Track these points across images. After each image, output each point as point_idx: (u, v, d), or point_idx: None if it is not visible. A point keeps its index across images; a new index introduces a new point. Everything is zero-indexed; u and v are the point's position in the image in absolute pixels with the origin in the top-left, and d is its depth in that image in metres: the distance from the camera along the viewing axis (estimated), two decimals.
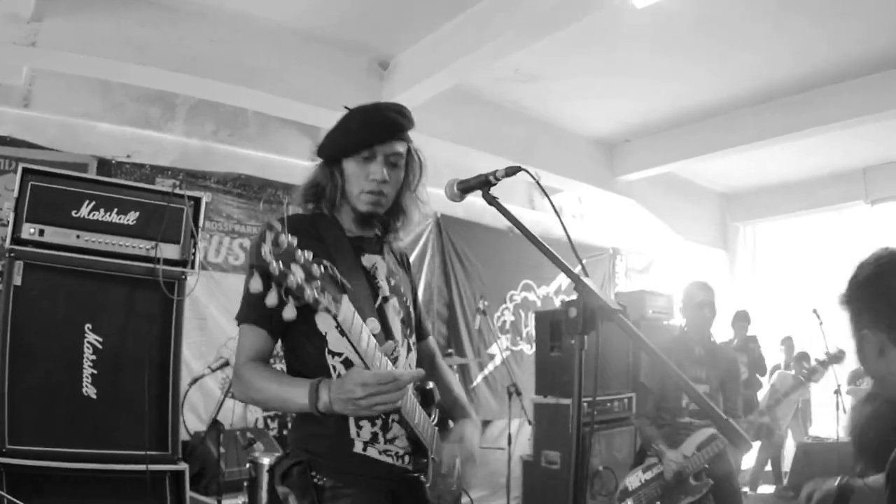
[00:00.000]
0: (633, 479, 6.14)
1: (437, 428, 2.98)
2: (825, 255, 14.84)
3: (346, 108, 3.05)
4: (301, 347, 2.87)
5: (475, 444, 3.03)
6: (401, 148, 2.99)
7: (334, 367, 2.82)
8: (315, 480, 2.77)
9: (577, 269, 2.40)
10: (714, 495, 6.01)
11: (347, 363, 2.79)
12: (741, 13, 7.73)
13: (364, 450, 2.81)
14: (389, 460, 2.83)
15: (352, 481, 2.78)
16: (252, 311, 2.77)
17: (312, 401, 2.53)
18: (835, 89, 9.60)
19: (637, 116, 10.98)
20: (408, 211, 3.14)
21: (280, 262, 2.13)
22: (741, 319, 11.84)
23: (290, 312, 2.22)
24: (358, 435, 2.80)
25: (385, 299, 2.96)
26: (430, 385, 3.01)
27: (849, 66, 9.11)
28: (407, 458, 2.88)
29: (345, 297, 2.39)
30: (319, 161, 3.06)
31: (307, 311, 2.32)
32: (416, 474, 2.90)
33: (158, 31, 7.07)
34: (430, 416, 2.93)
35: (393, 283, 3.07)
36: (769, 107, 10.29)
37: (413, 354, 3.08)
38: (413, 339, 3.13)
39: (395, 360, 2.83)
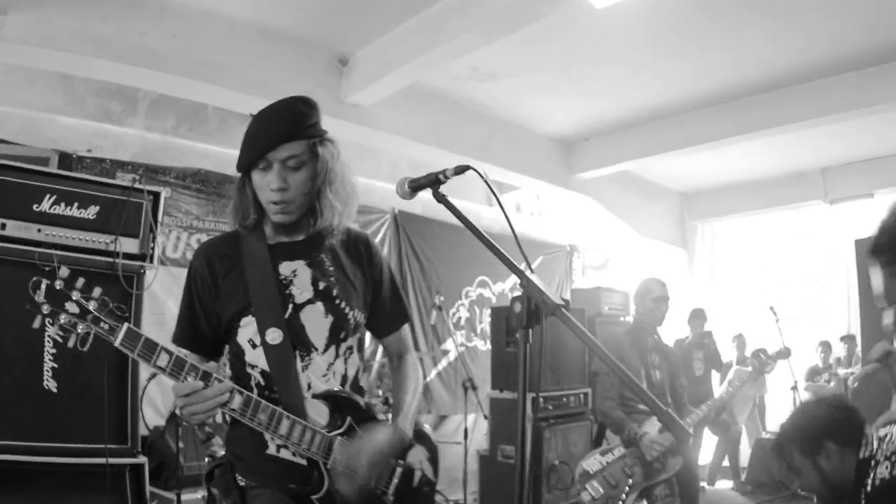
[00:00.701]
0: (593, 462, 6.15)
1: (341, 437, 2.92)
2: (784, 254, 15.08)
3: (250, 114, 3.08)
4: (231, 361, 3.07)
5: (378, 443, 2.93)
6: (296, 149, 2.93)
7: (252, 377, 2.97)
8: (238, 481, 2.94)
9: (524, 266, 2.46)
10: (677, 479, 6.13)
11: (265, 375, 2.93)
12: (701, 15, 7.82)
13: (277, 451, 2.92)
14: (304, 461, 2.90)
15: (267, 481, 2.91)
16: (176, 335, 3.07)
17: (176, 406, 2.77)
18: (793, 90, 9.76)
19: (595, 115, 11.05)
20: (322, 210, 3.04)
21: (51, 304, 2.50)
22: (697, 317, 11.98)
23: (71, 342, 2.53)
24: (272, 439, 2.89)
25: (299, 307, 2.99)
26: (333, 391, 2.99)
27: (809, 68, 9.26)
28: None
29: (124, 325, 2.61)
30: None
31: (228, 328, 2.82)
32: (300, 487, 2.89)
33: (120, 25, 7.04)
34: (336, 423, 2.94)
35: (322, 285, 3.05)
36: (727, 107, 10.41)
37: (339, 364, 3.07)
38: (349, 343, 3.12)
39: (305, 366, 2.96)
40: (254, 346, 2.93)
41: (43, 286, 2.49)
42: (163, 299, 8.04)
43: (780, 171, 13.91)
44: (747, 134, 10.49)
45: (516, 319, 2.38)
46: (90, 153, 7.78)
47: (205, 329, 3.02)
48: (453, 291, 11.73)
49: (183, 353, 2.74)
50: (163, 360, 2.64)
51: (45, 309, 2.48)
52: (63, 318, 2.50)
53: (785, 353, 6.49)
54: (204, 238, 8.60)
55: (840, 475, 3.49)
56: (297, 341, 2.96)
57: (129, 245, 5.52)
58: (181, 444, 6.36)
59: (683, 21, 7.96)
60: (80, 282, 2.54)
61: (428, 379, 11.04)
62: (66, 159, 7.58)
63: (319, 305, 3.02)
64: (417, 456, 3.22)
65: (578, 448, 8.75)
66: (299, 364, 2.95)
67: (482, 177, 2.71)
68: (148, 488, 5.37)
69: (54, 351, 5.07)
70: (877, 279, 2.38)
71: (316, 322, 3.01)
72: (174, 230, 8.45)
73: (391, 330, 3.41)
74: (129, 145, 8.20)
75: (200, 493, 6.11)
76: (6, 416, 4.87)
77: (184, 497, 6.21)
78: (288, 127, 2.92)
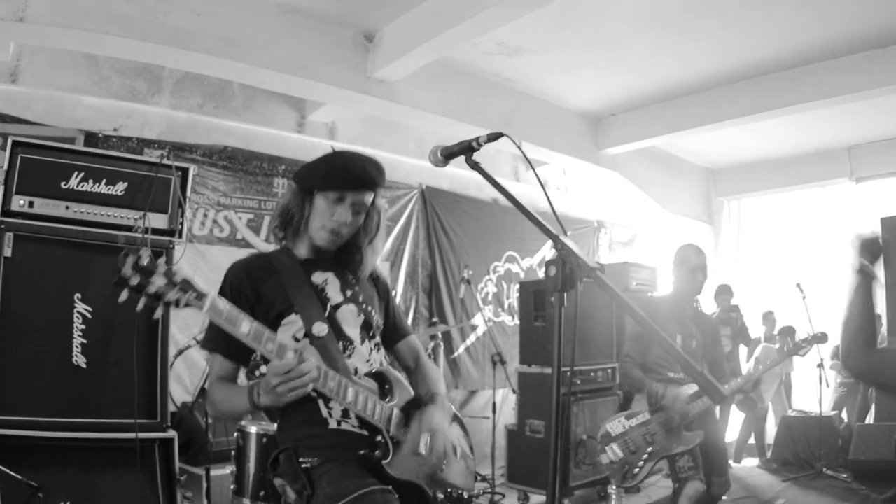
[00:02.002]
0: (616, 425, 6.06)
1: (396, 409, 3.22)
2: (809, 231, 14.96)
3: (332, 147, 3.41)
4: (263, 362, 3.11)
5: (433, 421, 3.24)
6: (368, 199, 3.28)
7: None
8: (302, 464, 3.08)
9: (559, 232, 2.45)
10: (702, 452, 6.07)
11: None
12: None
13: (338, 425, 3.13)
14: (366, 432, 3.14)
15: (334, 454, 3.07)
16: (208, 340, 3.23)
17: (252, 401, 2.92)
18: (820, 67, 9.66)
19: (622, 91, 11.01)
20: (364, 256, 3.43)
21: (139, 276, 2.56)
22: (724, 293, 11.93)
23: (157, 313, 2.64)
24: (330, 415, 3.14)
25: (335, 307, 3.29)
26: (380, 370, 3.29)
27: (834, 45, 9.16)
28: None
29: (210, 293, 2.73)
30: (293, 186, 3.34)
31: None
32: (369, 452, 3.09)
33: (144, 4, 7.04)
34: (384, 396, 3.22)
35: (350, 293, 3.37)
36: (754, 83, 10.33)
37: (375, 354, 3.37)
38: (377, 340, 3.44)
39: (349, 355, 3.23)
40: (297, 340, 3.09)
41: (129, 260, 2.55)
42: (190, 276, 8.07)
43: (806, 148, 13.83)
44: (773, 110, 10.42)
45: (551, 283, 2.38)
46: (116, 132, 7.82)
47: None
48: (481, 266, 11.73)
49: (258, 323, 2.85)
50: (245, 327, 2.78)
51: (134, 281, 2.55)
52: (152, 289, 2.58)
53: (821, 338, 6.38)
54: (231, 214, 8.69)
55: None
56: (339, 335, 3.24)
57: (158, 220, 5.55)
58: (210, 420, 6.41)
59: None
60: (162, 259, 2.67)
61: (456, 354, 11.07)
62: (92, 139, 7.62)
63: (352, 306, 3.35)
64: (456, 432, 3.57)
65: None
66: (344, 353, 3.22)
67: (516, 144, 2.76)
68: (177, 464, 5.40)
69: (83, 327, 5.11)
70: None
71: (350, 320, 3.32)
72: (201, 207, 8.49)
73: (405, 333, 3.73)
74: (155, 124, 8.24)
75: (229, 469, 6.13)
76: (36, 393, 4.91)
77: (213, 472, 6.25)
78: (375, 180, 3.26)
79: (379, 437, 3.11)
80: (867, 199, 13.63)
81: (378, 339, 3.45)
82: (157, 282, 2.58)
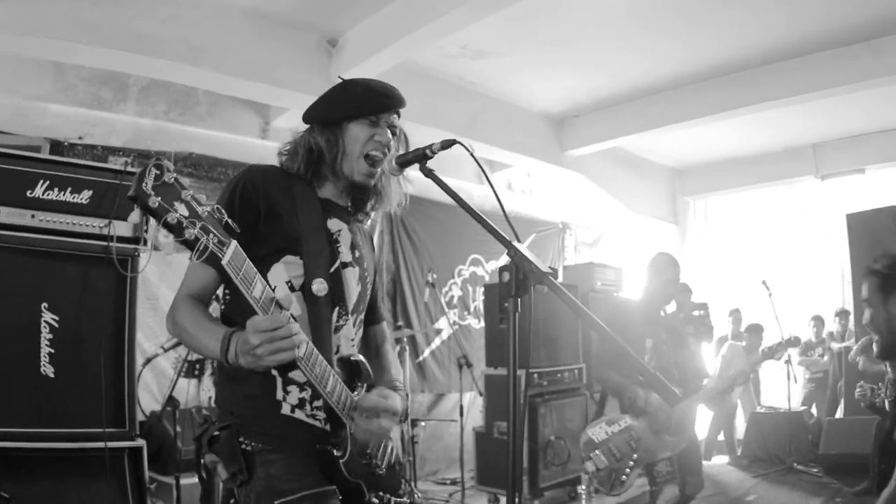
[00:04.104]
0: (598, 432, 6.04)
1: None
2: (775, 229, 15.12)
3: (340, 77, 3.11)
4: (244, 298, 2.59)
5: (393, 403, 2.89)
6: (398, 121, 3.06)
7: None
8: (243, 446, 2.75)
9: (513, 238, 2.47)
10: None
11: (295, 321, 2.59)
12: None
13: (292, 411, 2.81)
14: (318, 424, 2.83)
15: (280, 445, 2.77)
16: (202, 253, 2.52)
17: (223, 350, 2.51)
18: (786, 65, 9.79)
19: (586, 91, 11.06)
20: (384, 191, 3.14)
21: (160, 197, 2.13)
22: (683, 291, 11.98)
23: (168, 249, 2.36)
24: (285, 399, 2.80)
25: (344, 265, 2.96)
26: (357, 358, 2.91)
27: (800, 43, 9.29)
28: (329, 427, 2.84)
29: (232, 243, 2.33)
30: (306, 128, 3.05)
31: (263, 258, 2.52)
32: (329, 448, 2.79)
33: (110, 11, 7.03)
34: (353, 390, 2.83)
35: (357, 254, 3.05)
36: (719, 82, 10.44)
37: (357, 333, 3.07)
38: (362, 317, 3.13)
39: (337, 328, 2.91)
40: (292, 289, 2.76)
41: (152, 173, 2.13)
42: (156, 284, 8.07)
43: (771, 146, 13.97)
44: (738, 109, 10.53)
45: (505, 289, 2.40)
46: (82, 140, 7.81)
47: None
48: (446, 270, 11.79)
49: (268, 287, 2.46)
50: (257, 290, 2.39)
51: (153, 202, 2.11)
52: (173, 217, 2.15)
53: (794, 342, 6.50)
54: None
55: None
56: (338, 299, 2.93)
57: (123, 228, 5.51)
58: (178, 429, 6.41)
59: None
60: (188, 182, 2.24)
61: (422, 357, 11.12)
62: (57, 147, 7.60)
63: (357, 270, 3.05)
64: (396, 434, 3.18)
65: (574, 423, 8.79)
66: (335, 323, 2.90)
67: (468, 150, 2.70)
68: (147, 472, 5.39)
69: (51, 336, 5.08)
70: None
71: (352, 285, 3.01)
72: None
73: (381, 318, 3.44)
74: (121, 132, 8.21)
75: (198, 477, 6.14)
76: (4, 403, 4.87)
77: (182, 481, 6.26)
78: (400, 101, 3.05)
79: (343, 433, 2.77)
80: (832, 196, 13.82)
81: (363, 315, 3.14)
82: (182, 209, 2.18)
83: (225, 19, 7.83)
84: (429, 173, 2.66)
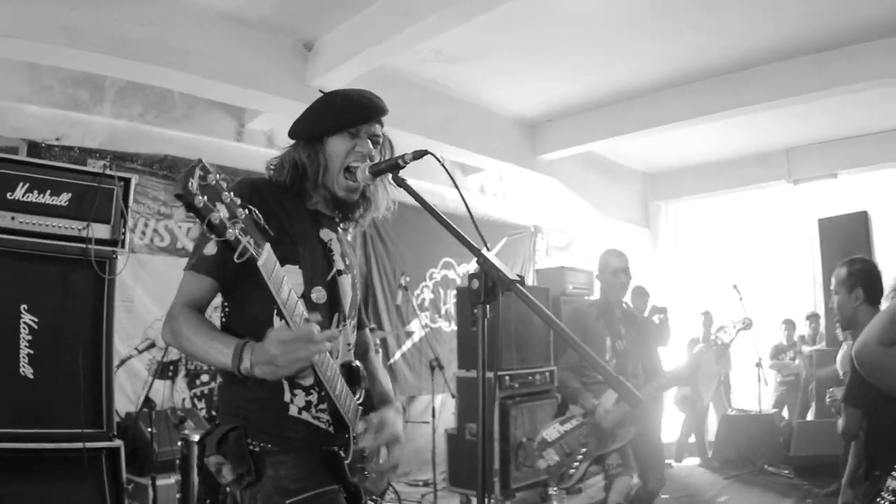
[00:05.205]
0: (552, 432, 6.29)
1: (360, 407, 2.94)
2: (747, 233, 15.23)
3: (321, 91, 3.12)
4: (250, 304, 2.82)
5: (397, 428, 3.03)
6: (379, 130, 3.07)
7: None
8: (251, 447, 2.76)
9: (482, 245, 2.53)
10: (638, 449, 6.22)
11: None
12: (660, 0, 7.98)
13: (299, 413, 2.83)
14: (323, 426, 2.86)
15: (288, 446, 2.79)
16: (202, 261, 2.74)
17: (235, 363, 2.52)
18: (759, 72, 9.90)
19: (559, 96, 11.13)
20: (373, 198, 3.14)
21: (205, 196, 2.20)
22: (640, 294, 12.02)
23: (210, 249, 2.48)
24: (292, 401, 2.83)
25: (339, 272, 3.01)
26: (357, 363, 2.97)
27: (773, 50, 9.41)
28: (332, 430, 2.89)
29: (267, 245, 2.41)
30: (291, 143, 3.07)
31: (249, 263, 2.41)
32: (335, 448, 2.87)
33: (91, 14, 7.03)
34: (354, 394, 2.90)
35: (348, 261, 3.10)
36: (691, 88, 10.53)
37: (352, 338, 3.12)
38: (356, 322, 3.18)
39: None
40: (260, 280, 2.58)
41: (197, 173, 2.21)
42: (131, 286, 8.10)
43: (744, 151, 14.09)
44: (711, 115, 10.62)
45: (474, 296, 2.44)
46: (59, 142, 7.80)
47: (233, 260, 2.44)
48: (418, 273, 11.82)
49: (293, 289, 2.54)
50: (285, 293, 2.47)
51: (199, 202, 2.17)
52: (216, 217, 2.23)
53: (747, 324, 6.52)
54: (172, 224, 8.70)
55: (857, 316, 4.58)
56: (336, 306, 2.97)
57: (101, 231, 5.56)
58: (154, 430, 6.43)
59: (646, 4, 8.08)
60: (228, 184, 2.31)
61: (392, 360, 11.16)
62: (34, 148, 7.59)
63: (349, 277, 3.09)
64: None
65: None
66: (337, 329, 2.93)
67: (440, 161, 2.75)
68: (124, 473, 5.42)
69: (30, 337, 5.12)
70: None
71: (347, 291, 3.05)
72: (142, 217, 8.47)
73: (364, 324, 3.46)
74: (97, 133, 8.22)
75: (174, 478, 6.18)
76: None
77: (159, 482, 6.30)
78: (383, 106, 3.07)
79: (347, 435, 2.85)
80: (805, 201, 13.89)
81: (356, 321, 3.19)
82: (223, 211, 2.25)
83: (203, 23, 7.85)
84: (401, 183, 2.72)
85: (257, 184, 2.96)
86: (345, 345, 3.01)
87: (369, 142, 3.00)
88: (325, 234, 3.03)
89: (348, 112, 2.99)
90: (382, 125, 3.11)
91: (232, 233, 2.27)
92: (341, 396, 2.78)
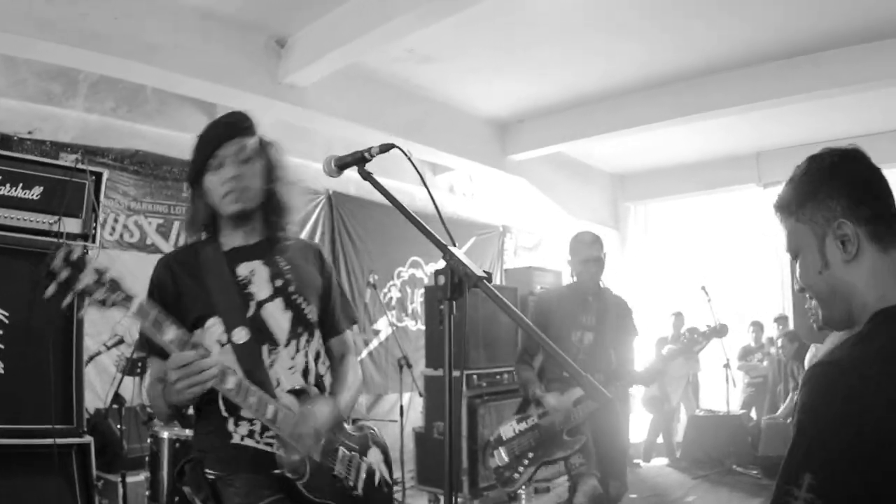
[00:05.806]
0: (507, 429, 5.99)
1: None
2: (716, 235, 15.32)
3: (197, 136, 3.22)
4: None
5: (320, 413, 3.07)
6: (249, 143, 3.16)
7: None
8: (208, 476, 3.01)
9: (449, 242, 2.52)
10: (599, 452, 6.03)
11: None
12: (633, 2, 8.03)
13: (241, 440, 3.00)
14: (270, 450, 2.97)
15: (235, 469, 2.98)
16: (143, 343, 3.01)
17: (164, 394, 2.83)
18: (730, 76, 10.00)
19: (530, 97, 11.18)
20: (282, 198, 3.28)
21: (69, 269, 2.52)
22: None
23: (82, 312, 2.60)
24: (235, 431, 3.02)
25: (261, 304, 3.12)
26: (301, 386, 3.10)
27: (744, 54, 9.52)
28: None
29: (136, 298, 2.69)
30: (188, 191, 3.28)
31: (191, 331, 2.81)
32: (283, 472, 2.95)
33: (64, 7, 6.99)
34: None
35: (280, 283, 3.19)
36: (662, 90, 10.61)
37: (299, 357, 3.19)
38: (307, 337, 3.24)
39: (272, 363, 3.08)
40: (221, 345, 3.02)
41: (61, 253, 2.53)
42: (120, 276, 8.02)
43: (714, 154, 14.24)
44: (682, 118, 10.73)
45: (440, 292, 2.47)
46: (31, 135, 7.74)
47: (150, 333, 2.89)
48: (385, 272, 11.79)
49: (183, 330, 2.77)
50: (170, 334, 2.71)
51: (63, 275, 2.51)
52: (80, 286, 2.54)
53: (721, 331, 5.93)
54: (142, 219, 8.64)
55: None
56: (263, 338, 3.08)
57: (73, 225, 5.56)
58: (123, 427, 6.41)
59: (619, 6, 8.13)
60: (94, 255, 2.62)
61: (359, 359, 11.05)
62: (6, 141, 7.51)
63: (279, 301, 3.16)
64: (376, 457, 3.41)
65: None
66: (267, 360, 3.06)
67: (406, 154, 2.77)
68: (94, 470, 5.40)
69: (1, 332, 5.10)
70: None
71: (278, 317, 3.14)
72: (112, 212, 8.40)
73: (340, 330, 3.53)
74: (70, 127, 8.15)
75: (144, 475, 6.15)
76: None
77: (128, 479, 6.31)
78: (233, 126, 3.18)
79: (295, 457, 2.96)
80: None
81: (309, 335, 3.25)
82: (86, 279, 2.55)
83: (176, 18, 7.82)
84: (366, 176, 2.72)
85: (168, 260, 3.26)
86: (285, 370, 3.12)
87: (235, 166, 3.10)
88: (244, 268, 3.18)
89: (204, 142, 3.14)
90: (255, 135, 3.24)
91: (101, 294, 2.61)
92: (276, 420, 2.90)
